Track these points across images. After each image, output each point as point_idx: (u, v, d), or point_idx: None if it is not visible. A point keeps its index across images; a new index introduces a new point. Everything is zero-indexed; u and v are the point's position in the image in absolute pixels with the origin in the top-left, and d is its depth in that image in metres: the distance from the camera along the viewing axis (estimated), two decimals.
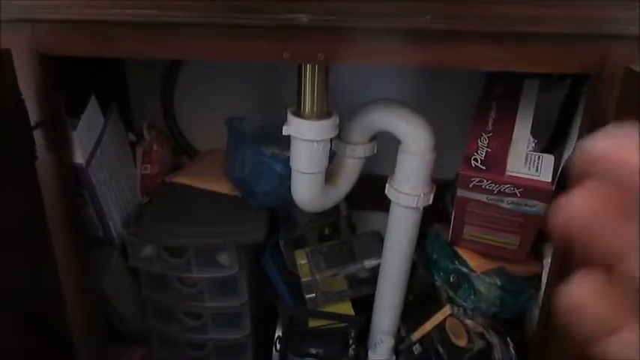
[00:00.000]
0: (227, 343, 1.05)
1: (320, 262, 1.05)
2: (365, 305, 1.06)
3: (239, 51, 0.72)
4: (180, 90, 1.20)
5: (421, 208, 0.89)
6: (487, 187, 0.82)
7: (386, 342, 1.01)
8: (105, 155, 0.97)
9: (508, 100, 0.87)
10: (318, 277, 1.03)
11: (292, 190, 0.91)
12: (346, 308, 1.08)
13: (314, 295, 1.04)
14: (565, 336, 0.22)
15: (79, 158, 0.89)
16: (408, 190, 0.87)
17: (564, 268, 0.78)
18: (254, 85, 1.17)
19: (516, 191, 0.81)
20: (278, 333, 1.04)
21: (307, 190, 0.90)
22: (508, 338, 0.94)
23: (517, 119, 0.85)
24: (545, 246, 0.92)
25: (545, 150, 0.83)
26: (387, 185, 0.90)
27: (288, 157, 0.89)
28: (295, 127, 0.84)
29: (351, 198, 1.03)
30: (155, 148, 1.13)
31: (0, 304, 0.74)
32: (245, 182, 0.99)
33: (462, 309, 0.95)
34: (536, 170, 0.81)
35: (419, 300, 1.04)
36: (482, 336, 0.94)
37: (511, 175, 0.81)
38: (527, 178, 0.81)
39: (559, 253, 0.80)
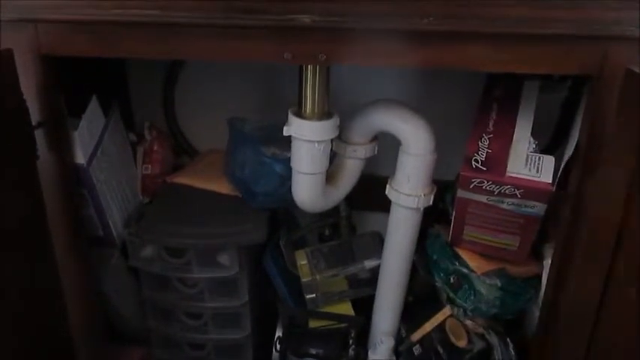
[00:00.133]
0: (227, 343, 1.05)
1: (320, 263, 1.05)
2: (365, 306, 1.06)
3: (240, 51, 0.73)
4: (180, 90, 1.20)
5: (421, 208, 0.89)
6: (487, 188, 0.82)
7: (386, 342, 1.01)
8: (106, 155, 0.97)
9: (509, 101, 0.87)
10: (318, 277, 1.03)
11: (293, 190, 0.92)
12: (346, 309, 1.08)
13: (314, 295, 1.04)
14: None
15: (80, 158, 0.89)
16: (409, 190, 0.87)
17: (564, 270, 0.78)
18: (255, 86, 1.17)
19: (517, 192, 0.82)
20: (278, 333, 1.04)
21: (308, 190, 0.90)
22: (508, 339, 0.94)
23: (518, 120, 0.85)
24: (545, 247, 0.92)
25: (546, 151, 0.83)
26: (387, 186, 0.90)
27: (289, 157, 0.89)
28: (296, 128, 0.84)
29: (352, 199, 1.03)
30: (156, 148, 1.13)
31: (0, 304, 0.74)
32: (245, 182, 0.99)
33: (462, 310, 0.95)
34: (537, 171, 0.81)
35: (419, 301, 1.04)
36: (482, 337, 0.94)
37: (511, 176, 0.81)
38: (528, 179, 0.81)
39: (559, 254, 0.80)
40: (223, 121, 1.05)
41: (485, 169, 0.82)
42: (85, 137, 0.91)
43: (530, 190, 0.81)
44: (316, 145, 0.84)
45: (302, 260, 1.05)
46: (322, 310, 1.06)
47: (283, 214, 1.13)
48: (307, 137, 0.84)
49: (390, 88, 1.10)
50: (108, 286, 1.01)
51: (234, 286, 1.00)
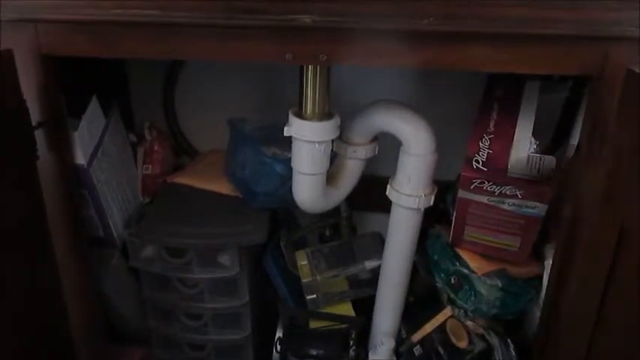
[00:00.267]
0: (227, 343, 1.05)
1: (321, 263, 1.05)
2: (365, 306, 1.06)
3: (241, 52, 0.73)
4: (181, 90, 1.20)
5: (422, 209, 0.89)
6: (488, 188, 0.82)
7: (386, 343, 1.01)
8: (106, 156, 0.97)
9: (509, 101, 0.87)
10: (318, 278, 1.03)
11: (293, 191, 0.91)
12: (347, 309, 1.07)
13: (315, 296, 1.04)
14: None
15: (80, 159, 0.89)
16: (409, 191, 0.87)
17: (565, 270, 0.78)
18: (255, 86, 1.17)
19: (517, 193, 0.82)
20: (278, 334, 1.04)
21: (308, 191, 0.90)
22: (509, 340, 0.94)
23: (518, 121, 0.85)
24: (546, 247, 0.92)
25: (547, 151, 0.83)
26: (388, 186, 0.90)
27: (289, 157, 0.89)
28: (297, 128, 0.84)
29: (352, 199, 1.03)
30: (156, 148, 1.13)
31: (0, 304, 0.74)
32: (246, 183, 0.99)
33: (462, 310, 0.95)
34: (538, 172, 0.81)
35: (419, 301, 1.04)
36: (482, 337, 0.94)
37: (512, 177, 0.81)
38: (529, 180, 0.81)
39: (560, 254, 0.80)
40: (224, 121, 1.05)
41: (486, 169, 0.82)
42: (85, 138, 0.91)
43: (531, 191, 0.81)
44: (317, 145, 0.84)
45: (302, 261, 1.05)
46: (323, 310, 1.06)
47: (284, 214, 1.13)
48: (308, 138, 0.84)
49: (391, 88, 1.10)
50: (108, 287, 1.01)
51: (235, 287, 0.99)
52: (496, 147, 0.83)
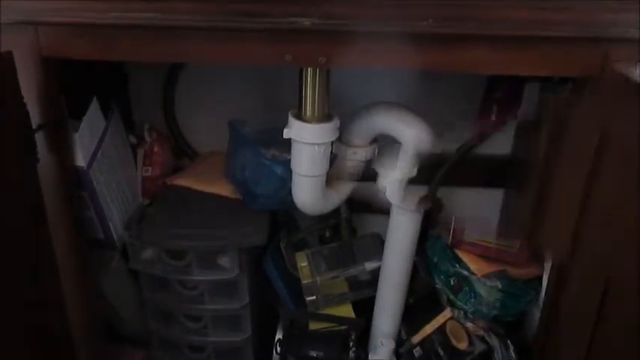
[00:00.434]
0: (227, 345, 1.05)
1: (320, 265, 1.05)
2: (365, 308, 1.06)
3: (241, 54, 0.73)
4: (180, 92, 1.20)
5: (422, 210, 0.89)
6: None
7: (386, 345, 1.01)
8: (106, 157, 0.97)
9: (509, 102, 0.87)
10: (318, 279, 1.03)
11: (293, 192, 0.92)
12: (347, 311, 1.07)
13: (314, 297, 1.04)
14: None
15: (81, 161, 0.89)
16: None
17: (565, 271, 0.78)
18: (255, 88, 1.17)
19: None
20: (278, 335, 1.04)
21: (308, 193, 0.90)
22: (509, 341, 0.94)
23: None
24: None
25: None
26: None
27: (289, 159, 0.89)
28: (296, 130, 0.84)
29: (352, 200, 1.03)
30: (156, 150, 1.13)
31: (0, 305, 0.74)
32: (245, 184, 0.99)
33: (462, 312, 0.95)
34: None
35: (419, 303, 1.04)
36: (482, 339, 0.94)
37: None
38: None
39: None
40: (223, 122, 1.05)
41: None
42: (86, 139, 0.91)
43: None
44: (316, 147, 0.84)
45: (302, 262, 1.05)
46: (323, 312, 1.06)
47: (283, 216, 1.13)
48: (307, 140, 0.84)
49: (390, 90, 1.09)
50: (108, 289, 1.01)
51: (235, 289, 0.99)
52: None
